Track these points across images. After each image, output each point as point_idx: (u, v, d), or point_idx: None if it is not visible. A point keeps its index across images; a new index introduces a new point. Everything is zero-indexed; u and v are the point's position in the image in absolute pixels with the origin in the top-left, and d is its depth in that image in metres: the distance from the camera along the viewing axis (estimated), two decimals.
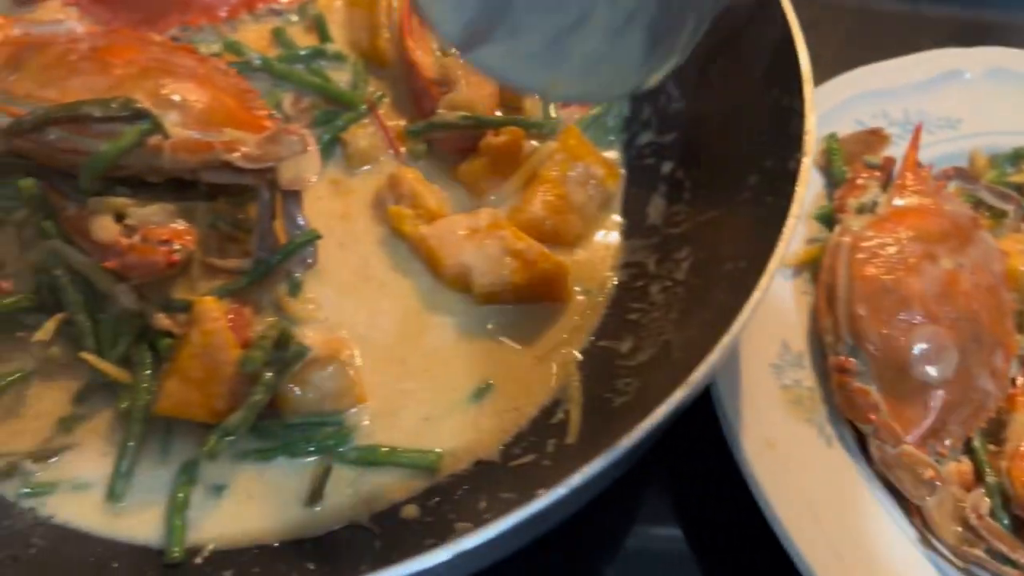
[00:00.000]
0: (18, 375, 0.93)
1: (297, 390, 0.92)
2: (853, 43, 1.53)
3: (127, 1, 1.21)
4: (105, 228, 0.93)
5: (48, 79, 0.98)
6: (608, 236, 1.10)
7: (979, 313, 0.98)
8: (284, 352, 0.92)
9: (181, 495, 0.87)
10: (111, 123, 0.94)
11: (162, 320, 0.93)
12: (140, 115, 0.94)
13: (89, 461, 0.90)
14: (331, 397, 0.93)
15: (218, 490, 0.89)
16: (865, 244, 1.02)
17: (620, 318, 1.02)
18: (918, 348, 0.96)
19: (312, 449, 0.91)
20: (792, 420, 0.97)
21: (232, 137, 0.97)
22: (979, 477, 0.95)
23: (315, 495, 0.88)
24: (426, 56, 1.18)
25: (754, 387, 0.98)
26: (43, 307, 0.94)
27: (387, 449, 0.92)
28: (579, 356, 1.00)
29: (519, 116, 1.15)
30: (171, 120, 0.96)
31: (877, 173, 1.11)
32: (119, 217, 0.95)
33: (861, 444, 0.97)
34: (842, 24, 1.59)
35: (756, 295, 0.78)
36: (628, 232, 1.10)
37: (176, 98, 0.98)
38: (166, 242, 0.93)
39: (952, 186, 1.13)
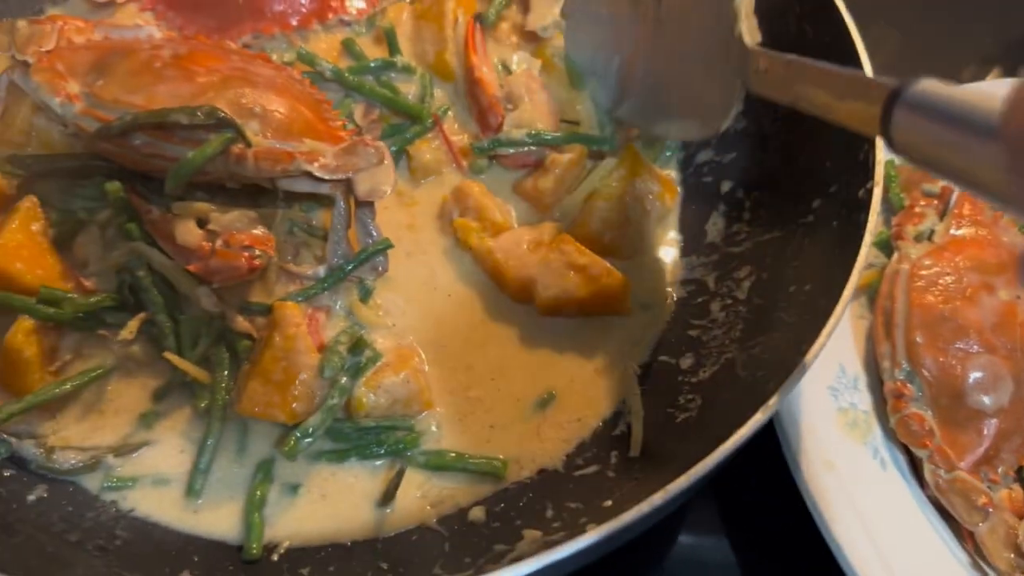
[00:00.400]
0: (99, 371, 0.96)
1: (370, 395, 0.95)
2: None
3: (202, 8, 1.25)
4: (190, 232, 0.96)
5: (135, 85, 1.01)
6: (667, 252, 1.13)
7: None
8: (359, 357, 0.95)
9: (259, 493, 0.90)
10: (196, 131, 0.97)
11: (241, 323, 0.96)
12: (225, 124, 0.97)
13: (168, 457, 0.93)
14: (402, 402, 0.96)
15: (293, 489, 0.92)
16: (923, 272, 1.04)
17: (681, 334, 1.05)
18: (973, 377, 0.98)
19: (383, 452, 0.95)
20: (848, 442, 0.99)
21: (311, 147, 1.00)
22: None
23: (388, 496, 0.91)
24: (490, 73, 1.21)
25: (812, 408, 1.00)
26: (125, 306, 0.98)
27: (455, 454, 0.95)
28: (639, 370, 1.02)
29: (580, 133, 1.18)
30: (252, 129, 0.99)
31: (934, 201, 1.13)
32: (201, 222, 0.98)
33: (915, 468, 1.00)
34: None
35: (831, 322, 0.80)
36: (687, 249, 1.13)
37: (257, 108, 1.02)
38: (248, 247, 0.96)
39: (1007, 216, 1.15)
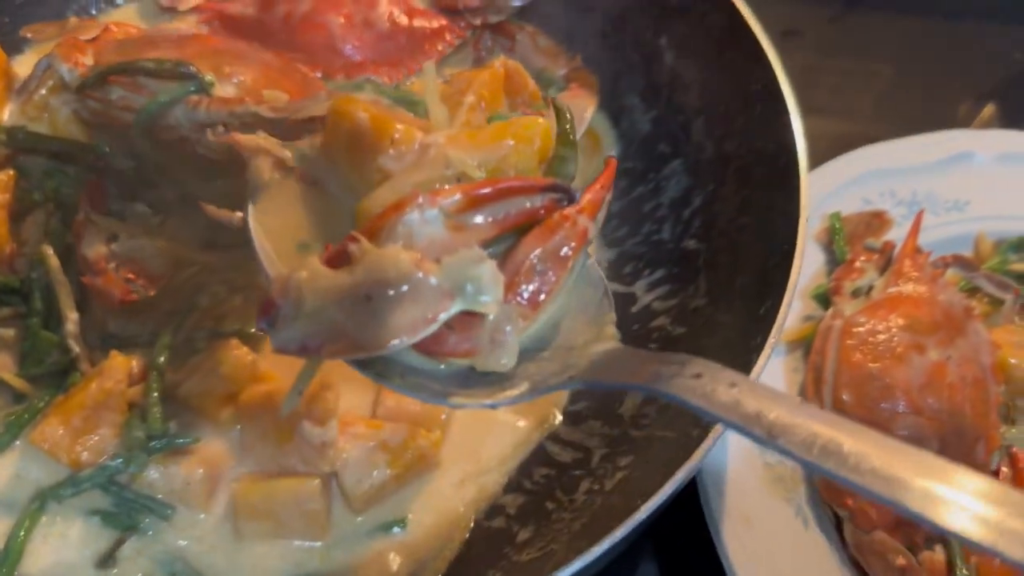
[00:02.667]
0: None
1: (152, 471, 0.96)
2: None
3: (256, 35, 1.24)
4: (95, 245, 1.00)
5: (128, 52, 1.05)
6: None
7: (963, 406, 1.00)
8: (164, 440, 0.97)
9: (28, 521, 0.93)
10: (165, 83, 1.00)
11: (81, 356, 0.99)
12: (189, 76, 1.00)
13: None
14: (178, 492, 0.97)
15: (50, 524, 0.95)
16: (856, 329, 1.04)
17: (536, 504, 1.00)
18: (897, 437, 0.97)
19: (128, 517, 0.96)
20: (772, 498, 1.00)
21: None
22: (951, 568, 0.97)
23: (104, 558, 0.94)
24: None
25: (738, 462, 1.00)
26: (24, 296, 1.02)
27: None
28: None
29: None
30: (224, 92, 1.01)
31: (875, 256, 1.13)
32: (113, 238, 1.02)
33: (838, 527, 0.99)
34: None
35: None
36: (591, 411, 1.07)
37: (237, 79, 1.04)
38: (130, 280, 0.99)
39: (951, 273, 1.14)
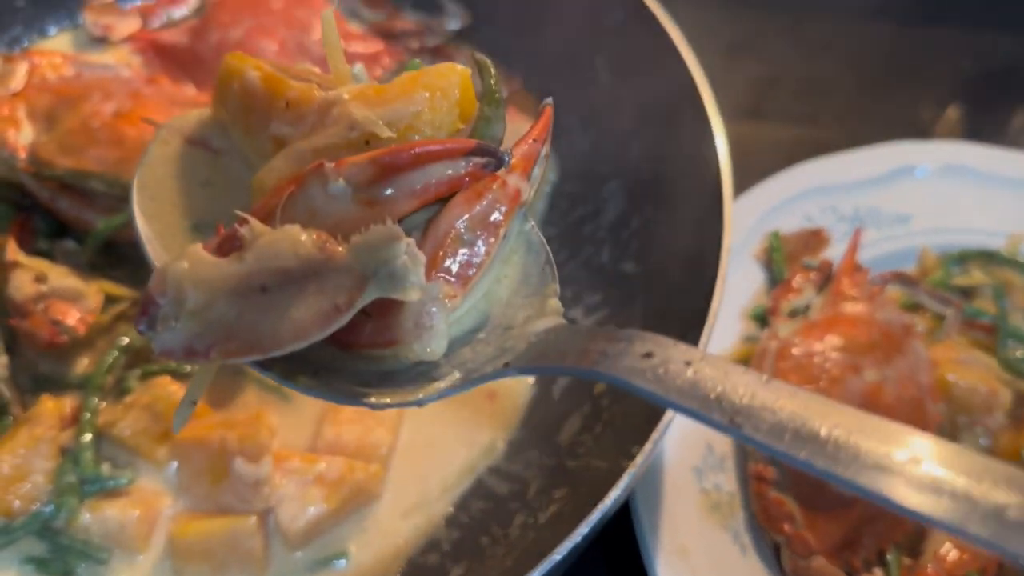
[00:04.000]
0: None
1: (87, 515, 0.95)
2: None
3: (188, 67, 1.25)
4: (21, 286, 1.00)
5: (70, 146, 1.06)
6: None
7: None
8: (96, 483, 0.96)
9: None
10: (112, 200, 1.02)
11: (12, 400, 0.99)
12: None
13: None
14: (113, 536, 0.96)
15: None
16: (791, 351, 1.03)
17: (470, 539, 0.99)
18: None
19: (63, 563, 0.95)
20: (709, 526, 0.99)
21: None
22: None
23: None
24: None
25: (673, 490, 1.00)
26: None
27: None
28: None
29: None
30: None
31: (813, 275, 1.12)
32: (41, 278, 1.01)
33: (777, 554, 0.99)
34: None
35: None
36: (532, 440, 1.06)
37: None
38: (57, 322, 0.98)
39: (892, 290, 1.14)
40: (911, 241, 1.22)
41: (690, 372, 0.52)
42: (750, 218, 1.19)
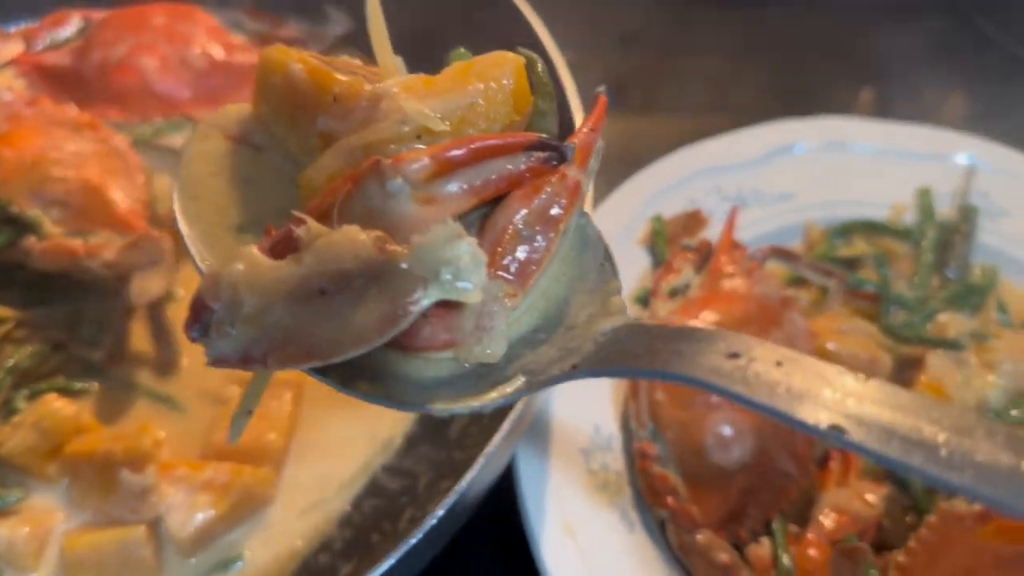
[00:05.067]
0: None
1: None
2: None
3: (73, 87, 1.24)
4: None
5: None
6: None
7: None
8: None
9: None
10: None
11: None
12: (13, 220, 1.01)
13: None
14: (2, 554, 0.95)
15: None
16: None
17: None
18: (714, 434, 0.99)
19: None
20: (596, 505, 1.00)
21: (100, 240, 1.02)
22: (775, 561, 0.97)
23: None
24: None
25: (560, 472, 1.01)
26: None
27: None
28: None
29: None
30: (52, 216, 1.02)
31: (691, 256, 1.14)
32: None
33: (663, 529, 1.00)
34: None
35: None
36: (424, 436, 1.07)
37: (59, 194, 1.05)
38: None
39: (773, 265, 1.16)
40: (796, 217, 1.24)
41: (781, 373, 0.50)
42: (635, 203, 1.21)
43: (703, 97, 1.57)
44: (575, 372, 0.58)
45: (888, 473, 0.97)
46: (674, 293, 1.11)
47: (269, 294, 0.55)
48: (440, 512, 0.76)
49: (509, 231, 0.58)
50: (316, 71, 0.63)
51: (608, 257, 0.64)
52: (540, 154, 0.59)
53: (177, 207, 0.66)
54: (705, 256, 1.14)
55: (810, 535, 0.94)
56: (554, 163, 0.59)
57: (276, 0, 1.31)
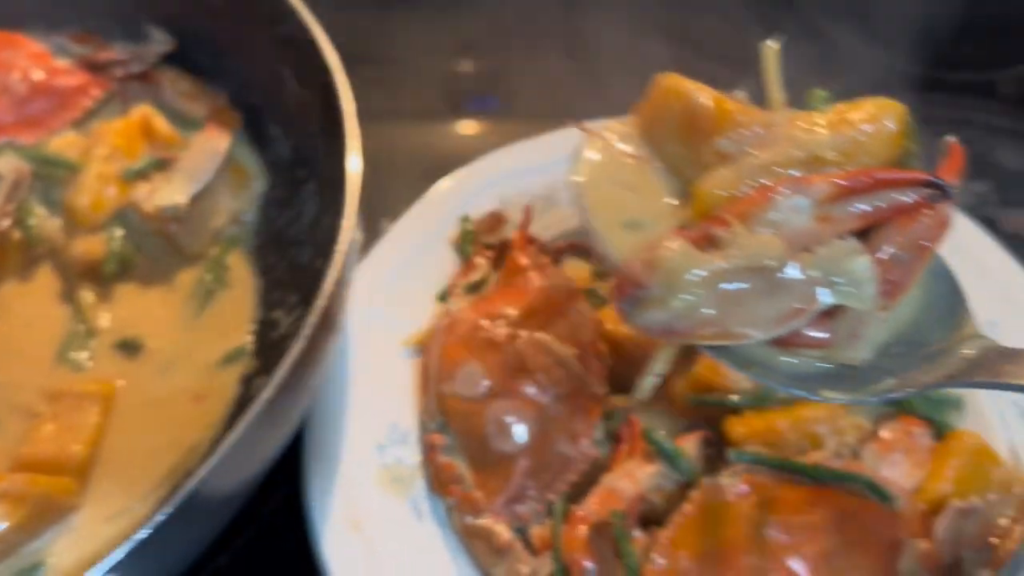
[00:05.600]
0: None
1: None
2: None
3: None
4: None
5: None
6: None
7: (559, 382, 1.04)
8: None
9: None
10: None
11: None
12: None
13: None
14: None
15: None
16: (457, 325, 1.08)
17: None
18: (492, 420, 1.02)
19: None
20: (387, 498, 1.03)
21: None
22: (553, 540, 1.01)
23: None
24: None
25: (351, 470, 1.04)
26: None
27: None
28: None
29: None
30: None
31: (489, 253, 1.18)
32: None
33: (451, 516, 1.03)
34: None
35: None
36: None
37: None
38: None
39: (569, 259, 1.20)
40: None
41: None
42: (447, 205, 1.25)
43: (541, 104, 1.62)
44: (948, 382, 0.70)
45: (660, 451, 1.01)
46: (472, 289, 1.14)
47: (700, 279, 0.66)
48: (170, 509, 0.79)
49: (889, 252, 0.69)
50: (720, 100, 0.77)
51: (958, 290, 0.75)
52: (927, 191, 0.69)
53: (587, 200, 0.79)
54: (502, 253, 1.17)
55: (578, 513, 0.98)
56: (938, 200, 0.69)
57: (100, 24, 1.34)
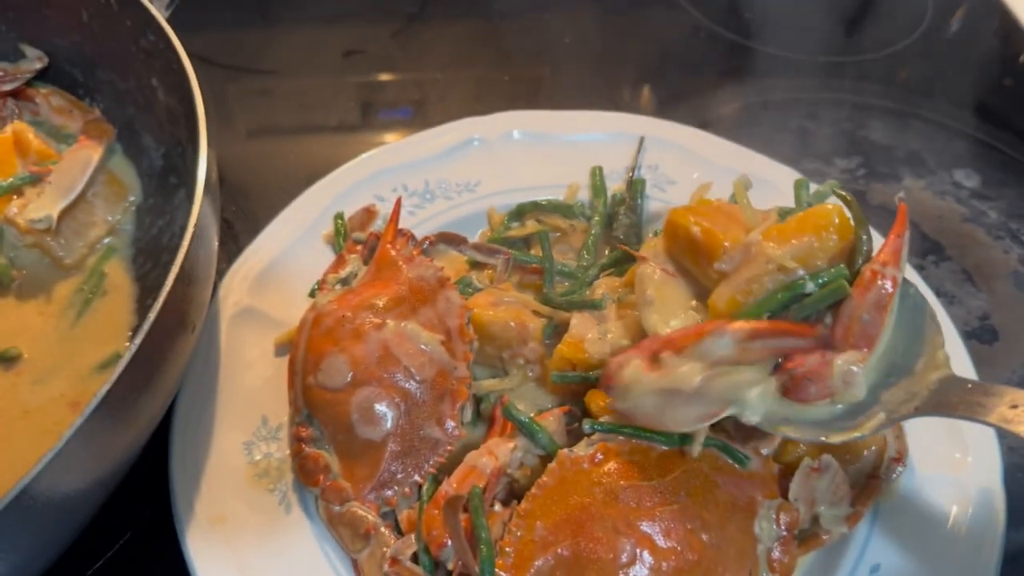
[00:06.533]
0: None
1: None
2: None
3: None
4: None
5: None
6: None
7: (423, 368, 1.05)
8: None
9: None
10: None
11: None
12: None
13: None
14: None
15: None
16: (324, 318, 1.09)
17: None
18: (358, 409, 1.03)
19: None
20: (254, 493, 1.03)
21: None
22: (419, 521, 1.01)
23: None
24: None
25: (219, 468, 1.04)
26: None
27: None
28: None
29: None
30: None
31: (359, 248, 1.19)
32: None
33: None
34: None
35: None
36: None
37: None
38: None
39: (445, 250, 1.22)
40: (481, 205, 1.30)
41: None
42: (323, 202, 1.27)
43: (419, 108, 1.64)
44: (917, 412, 0.91)
45: (519, 426, 1.02)
46: (342, 283, 1.15)
47: (645, 390, 0.93)
48: None
49: (853, 317, 0.92)
50: (708, 232, 0.99)
51: (933, 318, 0.97)
52: (815, 343, 0.92)
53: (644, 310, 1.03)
54: (372, 247, 1.19)
55: (441, 491, 0.98)
56: (818, 347, 0.92)
57: None
